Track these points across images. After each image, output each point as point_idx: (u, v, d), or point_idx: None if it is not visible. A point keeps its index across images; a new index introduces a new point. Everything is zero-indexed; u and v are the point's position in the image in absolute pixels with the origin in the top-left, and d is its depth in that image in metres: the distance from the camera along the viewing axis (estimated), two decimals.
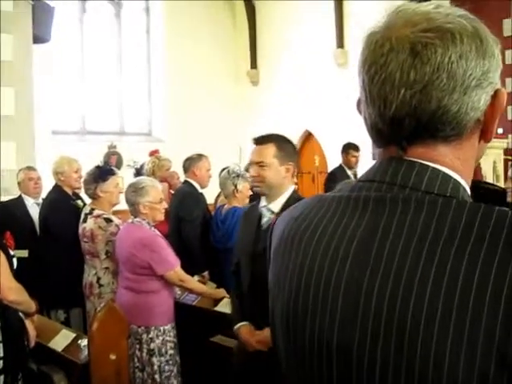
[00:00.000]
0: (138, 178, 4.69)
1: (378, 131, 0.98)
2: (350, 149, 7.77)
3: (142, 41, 12.65)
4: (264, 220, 3.23)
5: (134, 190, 4.07)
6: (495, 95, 0.95)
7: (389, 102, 0.93)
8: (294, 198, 3.18)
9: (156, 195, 4.11)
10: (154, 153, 7.28)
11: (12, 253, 3.52)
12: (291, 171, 3.25)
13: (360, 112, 1.03)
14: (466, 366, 0.79)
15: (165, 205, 4.23)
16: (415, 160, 0.95)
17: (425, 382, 0.82)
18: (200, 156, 5.79)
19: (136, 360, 3.94)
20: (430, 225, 0.87)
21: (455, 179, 0.95)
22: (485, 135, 0.98)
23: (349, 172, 7.67)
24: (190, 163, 5.72)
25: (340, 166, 7.87)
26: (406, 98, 0.91)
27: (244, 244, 3.31)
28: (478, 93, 0.92)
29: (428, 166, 0.94)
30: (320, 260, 0.98)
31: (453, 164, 0.96)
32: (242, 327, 3.23)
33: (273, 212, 3.20)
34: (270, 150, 3.18)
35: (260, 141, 3.24)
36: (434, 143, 0.95)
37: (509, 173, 3.66)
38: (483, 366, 0.78)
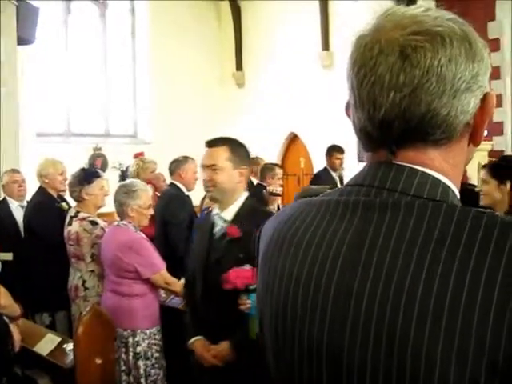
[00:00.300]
0: (130, 179, 4.67)
1: (367, 135, 0.98)
2: (334, 151, 7.79)
3: (127, 42, 12.58)
4: (216, 229, 3.09)
5: (126, 192, 4.05)
6: (484, 98, 0.95)
7: (378, 104, 0.93)
8: (247, 206, 3.09)
9: (146, 200, 4.10)
10: (138, 155, 7.26)
11: None
12: (245, 176, 3.11)
13: (349, 116, 1.03)
14: (458, 372, 0.79)
15: (151, 211, 4.21)
16: (404, 164, 0.95)
17: None
18: (186, 158, 5.76)
19: (122, 363, 3.91)
20: (420, 229, 0.87)
21: (444, 183, 0.95)
22: (474, 138, 0.98)
23: (333, 174, 7.69)
24: (176, 165, 5.70)
25: (325, 168, 7.89)
26: (396, 101, 0.91)
27: (197, 254, 3.20)
28: (467, 96, 0.92)
29: (417, 170, 0.94)
30: (309, 264, 0.98)
31: (442, 168, 0.95)
32: (197, 342, 3.13)
33: (225, 220, 3.06)
34: (223, 152, 3.04)
35: (212, 143, 3.11)
36: (424, 147, 0.95)
37: (481, 175, 3.70)
38: (474, 372, 0.78)
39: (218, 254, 3.02)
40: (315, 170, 10.95)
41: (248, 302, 2.80)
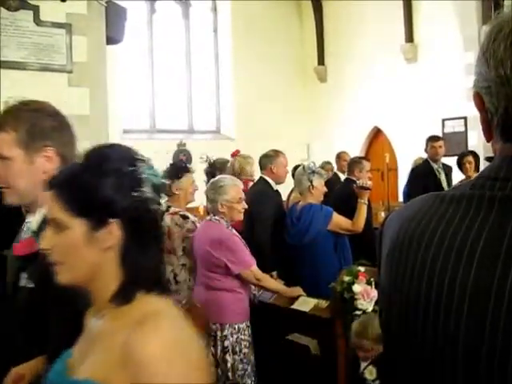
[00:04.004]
0: (220, 176, 4.66)
1: (509, 126, 0.94)
2: (430, 141, 7.62)
3: (210, 40, 12.77)
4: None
5: (213, 188, 4.10)
6: None
7: None
8: None
9: (235, 194, 4.09)
10: (235, 153, 7.16)
11: None
12: (53, 159, 1.96)
13: (476, 105, 0.99)
14: None
15: (244, 205, 4.19)
16: None
17: None
18: (276, 152, 5.67)
19: (210, 356, 3.95)
20: None
21: None
22: None
23: (434, 166, 7.49)
24: (267, 160, 5.62)
25: (426, 160, 7.68)
26: None
27: None
28: None
29: None
30: (442, 261, 0.94)
31: None
32: None
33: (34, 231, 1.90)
34: (9, 136, 1.92)
35: None
36: None
37: None
38: None
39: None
40: (399, 165, 10.74)
41: None
